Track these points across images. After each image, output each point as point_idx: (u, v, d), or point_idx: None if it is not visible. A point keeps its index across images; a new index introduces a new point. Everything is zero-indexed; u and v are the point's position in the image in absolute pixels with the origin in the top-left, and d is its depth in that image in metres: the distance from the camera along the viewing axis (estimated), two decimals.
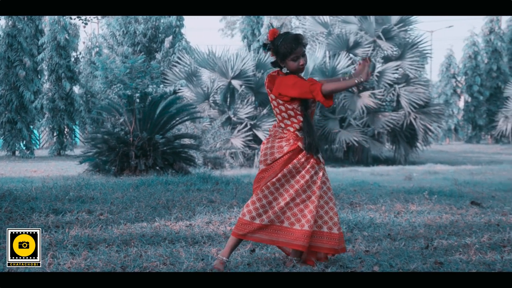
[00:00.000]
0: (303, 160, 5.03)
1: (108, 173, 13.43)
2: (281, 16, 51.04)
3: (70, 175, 13.69)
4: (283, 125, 5.11)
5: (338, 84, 5.17)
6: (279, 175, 5.01)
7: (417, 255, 5.44)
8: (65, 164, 19.54)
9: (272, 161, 5.05)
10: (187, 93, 22.09)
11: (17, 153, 25.26)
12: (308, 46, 30.59)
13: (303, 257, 5.16)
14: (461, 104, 47.98)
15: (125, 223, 6.84)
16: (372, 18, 24.39)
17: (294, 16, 51.76)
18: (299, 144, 5.04)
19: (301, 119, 5.12)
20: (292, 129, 5.09)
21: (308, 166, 5.05)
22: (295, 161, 5.03)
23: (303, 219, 4.98)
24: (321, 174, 5.08)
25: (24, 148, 25.12)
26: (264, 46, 5.16)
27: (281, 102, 5.06)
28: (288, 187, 5.03)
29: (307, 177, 5.03)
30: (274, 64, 5.17)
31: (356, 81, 5.08)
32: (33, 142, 26.61)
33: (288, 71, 5.09)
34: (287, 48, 5.06)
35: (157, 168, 13.50)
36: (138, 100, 14.10)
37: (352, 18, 24.99)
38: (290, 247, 5.03)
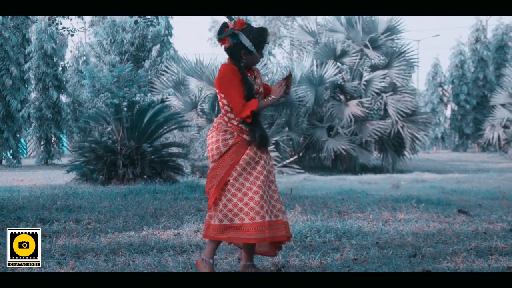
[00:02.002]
0: (254, 152, 5.01)
1: (95, 182, 13.38)
2: (269, 25, 51.16)
3: (58, 184, 13.63)
4: (226, 118, 5.04)
5: (260, 106, 5.00)
6: (239, 170, 4.97)
7: (405, 263, 5.46)
8: (52, 173, 19.45)
9: (219, 156, 5.00)
10: (175, 102, 22.07)
11: (3, 162, 25.12)
12: (295, 55, 30.68)
13: (263, 249, 5.19)
14: (448, 112, 48.17)
15: (112, 232, 6.82)
16: (359, 26, 24.48)
17: (282, 25, 51.92)
18: (244, 136, 5.01)
19: None
20: (235, 122, 5.03)
21: (264, 157, 5.06)
22: (250, 153, 5.01)
23: (279, 212, 5.05)
24: (272, 163, 5.15)
25: (11, 157, 24.98)
26: (233, 36, 4.95)
27: (222, 95, 5.01)
28: (254, 180, 4.99)
29: (266, 170, 5.04)
30: (232, 52, 5.01)
31: (270, 101, 5.05)
32: (20, 151, 26.47)
33: (244, 63, 5.04)
34: (262, 40, 5.04)
35: (145, 177, 13.47)
36: (125, 109, 14.07)
37: (339, 26, 25.08)
38: (275, 240, 5.00)
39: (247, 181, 4.97)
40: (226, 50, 5.04)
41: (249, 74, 5.12)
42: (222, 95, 5.00)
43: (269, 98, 5.06)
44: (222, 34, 4.99)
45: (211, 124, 21.52)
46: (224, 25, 5.01)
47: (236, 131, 5.01)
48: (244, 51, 4.99)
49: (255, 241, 4.91)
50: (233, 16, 5.01)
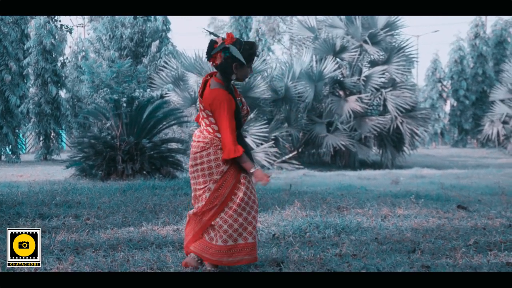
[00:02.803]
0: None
1: (94, 178, 13.38)
2: (269, 21, 51.11)
3: (57, 180, 13.63)
4: (219, 135, 4.95)
5: (242, 159, 4.93)
6: (244, 189, 4.96)
7: (404, 259, 5.46)
8: (51, 168, 19.44)
9: (221, 175, 4.94)
10: (174, 98, 22.04)
11: (3, 157, 25.11)
12: (295, 50, 30.63)
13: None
14: (447, 108, 48.17)
15: (112, 228, 6.82)
16: (358, 22, 24.45)
17: (282, 21, 51.86)
18: None
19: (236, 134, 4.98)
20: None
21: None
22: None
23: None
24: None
25: (10, 152, 24.97)
26: (225, 50, 4.90)
27: (210, 114, 4.95)
28: (254, 198, 5.03)
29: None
30: (224, 67, 4.95)
31: (250, 170, 4.96)
32: (19, 146, 26.46)
33: (234, 79, 5.00)
34: (251, 54, 4.98)
35: (144, 172, 13.47)
36: (125, 105, 14.06)
37: (338, 22, 25.04)
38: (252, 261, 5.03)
39: (250, 199, 4.98)
40: (218, 67, 4.97)
41: (238, 98, 5.10)
42: (210, 113, 4.93)
43: (255, 167, 4.97)
44: (214, 50, 4.92)
45: None
46: (212, 42, 4.96)
47: None
48: (236, 64, 4.93)
49: (256, 260, 5.02)
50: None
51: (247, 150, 5.03)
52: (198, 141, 5.02)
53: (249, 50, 4.96)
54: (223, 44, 4.92)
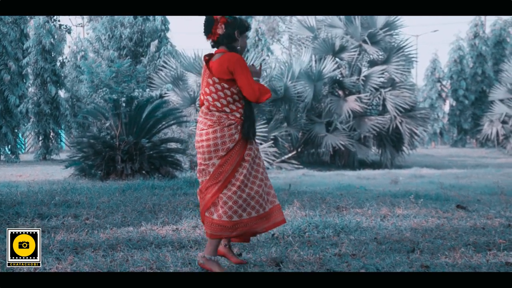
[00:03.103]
0: (251, 145, 5.10)
1: (94, 178, 13.38)
2: (268, 20, 51.10)
3: (56, 180, 13.63)
4: (228, 110, 5.04)
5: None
6: (247, 166, 5.03)
7: (404, 258, 5.46)
8: (50, 168, 19.44)
9: (226, 152, 5.00)
10: (173, 97, 22.05)
11: (2, 157, 25.11)
12: (294, 50, 30.63)
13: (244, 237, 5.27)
14: (446, 108, 48.21)
15: (111, 228, 6.81)
16: (358, 22, 24.46)
17: (281, 20, 51.85)
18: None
19: (243, 102, 5.09)
20: (238, 115, 5.06)
21: (254, 147, 5.15)
22: (252, 147, 5.09)
23: (272, 197, 5.17)
24: (258, 148, 5.23)
25: (9, 152, 24.97)
26: (228, 24, 5.07)
27: (226, 86, 5.01)
28: (256, 174, 5.08)
29: (261, 160, 5.19)
30: (228, 35, 5.09)
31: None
32: (19, 146, 26.47)
33: (238, 48, 5.16)
34: (246, 23, 5.17)
35: (143, 172, 13.47)
36: (124, 104, 14.06)
37: (338, 22, 25.05)
38: (276, 226, 5.14)
39: (250, 175, 5.03)
40: (221, 36, 5.10)
41: None
42: (226, 86, 4.99)
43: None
44: (216, 20, 5.08)
45: None
46: (210, 17, 5.12)
47: (240, 124, 5.03)
48: (237, 31, 5.11)
49: (263, 231, 5.06)
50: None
51: (252, 116, 5.13)
52: (205, 118, 5.07)
53: (243, 21, 5.17)
54: (220, 16, 5.12)
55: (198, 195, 5.17)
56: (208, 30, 5.11)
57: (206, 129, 5.04)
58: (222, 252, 5.24)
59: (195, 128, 20.52)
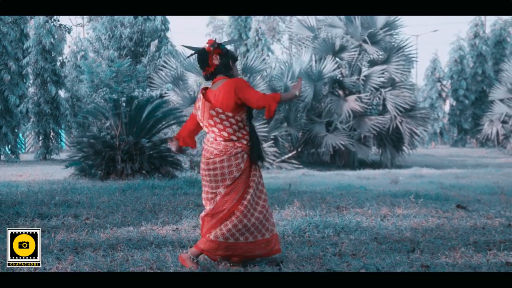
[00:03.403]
0: (255, 171, 5.20)
1: (94, 177, 13.38)
2: (268, 20, 51.08)
3: (56, 180, 13.63)
4: (235, 138, 5.12)
5: (284, 98, 5.19)
6: (251, 192, 5.11)
7: (404, 258, 5.46)
8: (51, 168, 19.44)
9: (232, 181, 5.09)
10: (173, 97, 22.04)
11: (2, 157, 25.10)
12: (294, 50, 30.61)
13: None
14: (447, 108, 48.17)
15: (111, 228, 6.82)
16: (358, 22, 24.44)
17: (281, 20, 51.83)
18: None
19: (248, 129, 5.20)
20: (245, 141, 5.16)
21: (260, 177, 5.25)
22: (256, 173, 5.19)
23: (271, 226, 5.24)
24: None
25: (9, 152, 24.96)
26: (222, 54, 5.19)
27: (230, 115, 5.09)
28: (258, 200, 5.17)
29: (263, 186, 5.29)
30: (224, 65, 5.20)
31: (296, 94, 5.18)
32: (19, 146, 26.45)
33: (233, 74, 5.27)
34: (235, 54, 5.29)
35: (144, 172, 13.46)
36: (124, 104, 14.05)
37: (338, 22, 25.04)
38: (272, 254, 5.21)
39: (253, 202, 5.13)
40: (218, 67, 5.20)
41: None
42: (230, 114, 5.08)
43: (295, 92, 5.20)
44: (210, 52, 5.18)
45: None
46: (203, 50, 5.22)
47: (245, 152, 5.14)
48: (231, 60, 5.24)
49: (258, 256, 5.17)
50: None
51: (259, 142, 5.24)
52: (211, 147, 5.17)
53: (231, 51, 5.28)
54: (215, 44, 5.20)
55: (201, 219, 5.22)
56: (205, 63, 5.20)
57: (212, 158, 5.12)
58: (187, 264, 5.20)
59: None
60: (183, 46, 5.69)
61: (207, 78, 5.27)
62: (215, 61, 5.16)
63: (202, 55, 5.20)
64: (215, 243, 5.00)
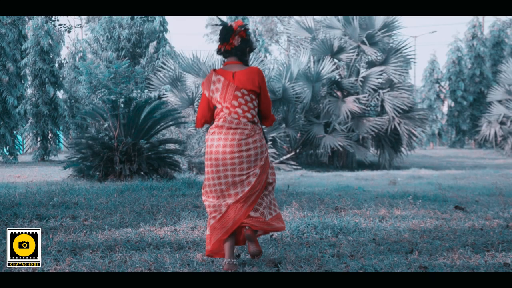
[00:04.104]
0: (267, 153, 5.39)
1: (92, 179, 13.37)
2: (266, 21, 51.10)
3: (54, 181, 13.62)
4: (256, 120, 5.22)
5: None
6: (270, 171, 5.33)
7: (402, 259, 5.46)
8: (49, 169, 19.43)
9: (264, 161, 5.21)
10: (172, 98, 22.05)
11: (0, 158, 25.08)
12: (292, 51, 30.64)
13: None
14: (445, 109, 48.21)
15: (109, 229, 6.81)
16: (356, 23, 24.47)
17: (279, 21, 51.86)
18: None
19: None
20: (260, 125, 5.33)
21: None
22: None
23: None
24: None
25: (7, 153, 24.94)
26: (244, 39, 5.24)
27: (254, 97, 5.20)
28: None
29: None
30: (242, 49, 5.25)
31: None
32: (17, 147, 26.42)
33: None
34: (255, 44, 5.37)
35: (142, 173, 13.46)
36: (122, 105, 14.05)
37: (336, 23, 25.07)
38: (278, 230, 5.36)
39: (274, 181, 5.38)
40: (235, 49, 5.23)
41: None
42: (254, 97, 5.20)
43: None
44: (236, 31, 5.20)
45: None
46: (230, 26, 5.23)
47: (263, 133, 5.33)
48: (249, 48, 5.27)
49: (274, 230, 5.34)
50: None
51: None
52: (238, 127, 5.13)
53: (252, 41, 5.34)
54: (241, 26, 5.24)
55: (225, 207, 5.12)
56: (226, 39, 5.22)
57: (245, 139, 5.11)
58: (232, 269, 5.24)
59: (193, 129, 20.52)
60: (217, 17, 5.69)
61: (219, 52, 5.28)
62: (235, 41, 5.19)
63: (227, 30, 5.21)
64: (264, 222, 5.16)
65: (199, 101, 5.51)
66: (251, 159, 5.12)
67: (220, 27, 5.30)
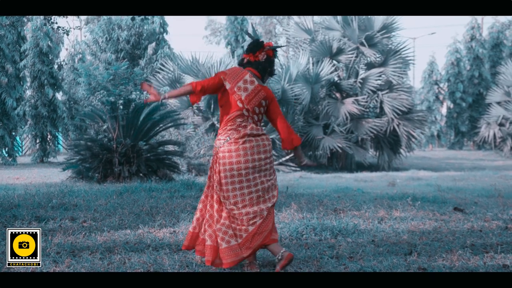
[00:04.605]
0: None
1: (91, 180, 13.36)
2: (265, 23, 51.12)
3: (53, 182, 13.61)
4: (259, 125, 5.30)
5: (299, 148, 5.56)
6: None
7: (401, 261, 5.46)
8: (48, 171, 19.42)
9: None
10: (171, 100, 22.04)
11: None
12: (291, 53, 30.65)
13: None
14: (444, 110, 48.25)
15: (108, 230, 6.81)
16: (355, 24, 24.49)
17: (278, 23, 51.88)
18: None
19: None
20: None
21: None
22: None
23: None
24: None
25: (6, 155, 24.92)
26: (269, 58, 5.32)
27: (263, 111, 5.30)
28: None
29: None
30: (263, 67, 5.30)
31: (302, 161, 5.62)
32: (16, 149, 26.41)
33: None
34: (274, 72, 5.46)
35: (141, 175, 13.45)
36: (121, 107, 14.05)
37: (335, 24, 25.08)
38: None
39: None
40: (257, 63, 5.27)
41: None
42: (263, 111, 5.31)
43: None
44: (265, 48, 5.28)
45: (207, 122, 21.53)
46: (261, 42, 5.30)
47: None
48: (270, 70, 5.33)
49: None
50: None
51: None
52: (263, 134, 5.25)
53: (274, 64, 5.42)
54: (271, 47, 5.33)
55: (266, 211, 5.17)
56: (253, 51, 5.28)
57: (269, 146, 5.29)
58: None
59: (192, 131, 20.51)
60: (247, 33, 5.71)
61: (242, 62, 5.32)
62: (260, 56, 5.26)
63: (257, 43, 5.29)
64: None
65: (202, 101, 5.51)
66: (272, 165, 5.32)
67: (251, 39, 5.39)
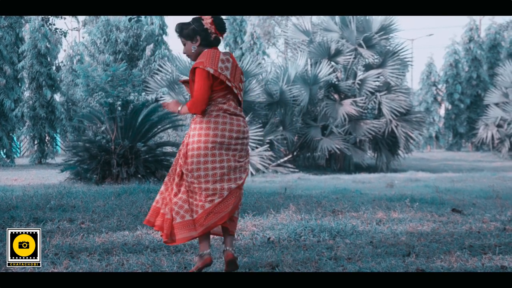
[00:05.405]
0: None
1: (89, 182, 13.36)
2: (264, 24, 51.13)
3: (51, 184, 13.60)
4: (239, 106, 5.18)
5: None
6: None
7: (399, 262, 5.46)
8: (46, 172, 19.41)
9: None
10: (169, 101, 22.02)
11: None
12: (290, 54, 30.66)
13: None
14: (442, 111, 48.25)
15: (106, 232, 6.81)
16: (353, 26, 24.50)
17: (277, 24, 51.90)
18: None
19: None
20: None
21: None
22: None
23: None
24: None
25: (4, 156, 24.92)
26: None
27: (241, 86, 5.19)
28: None
29: None
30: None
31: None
32: (14, 150, 26.41)
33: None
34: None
35: (139, 176, 13.46)
36: (119, 108, 14.05)
37: (333, 26, 25.09)
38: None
39: None
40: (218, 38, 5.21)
41: None
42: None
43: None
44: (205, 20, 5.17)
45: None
46: (197, 18, 5.22)
47: None
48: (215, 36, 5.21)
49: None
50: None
51: None
52: (240, 115, 5.09)
53: None
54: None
55: (227, 191, 4.98)
56: (224, 29, 5.20)
57: (247, 127, 5.13)
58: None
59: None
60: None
61: (218, 43, 5.18)
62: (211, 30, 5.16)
63: (223, 22, 5.21)
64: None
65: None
66: (247, 147, 5.13)
67: (216, 17, 5.15)
